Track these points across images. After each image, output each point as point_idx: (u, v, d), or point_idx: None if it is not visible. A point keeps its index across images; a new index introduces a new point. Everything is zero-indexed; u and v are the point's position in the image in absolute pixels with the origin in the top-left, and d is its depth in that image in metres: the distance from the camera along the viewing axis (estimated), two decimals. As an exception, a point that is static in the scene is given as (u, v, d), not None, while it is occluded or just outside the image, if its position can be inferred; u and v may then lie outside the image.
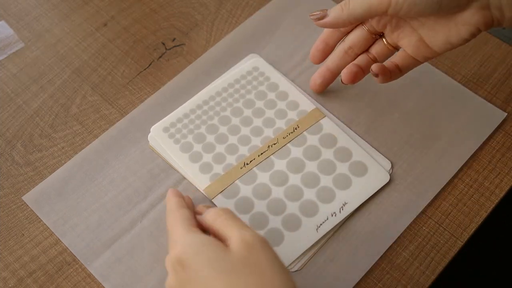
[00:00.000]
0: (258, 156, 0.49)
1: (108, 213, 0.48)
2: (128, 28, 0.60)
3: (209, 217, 0.39)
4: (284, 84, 0.53)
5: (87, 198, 0.49)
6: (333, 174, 0.48)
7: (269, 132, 0.51)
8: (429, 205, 0.48)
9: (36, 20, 0.60)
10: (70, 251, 0.46)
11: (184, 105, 0.52)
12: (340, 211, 0.47)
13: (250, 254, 0.34)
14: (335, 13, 0.43)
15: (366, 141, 0.51)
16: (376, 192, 0.49)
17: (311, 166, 0.49)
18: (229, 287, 0.33)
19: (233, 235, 0.36)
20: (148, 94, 0.55)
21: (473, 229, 0.47)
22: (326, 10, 0.44)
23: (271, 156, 0.49)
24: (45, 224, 0.48)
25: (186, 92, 0.54)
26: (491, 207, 0.48)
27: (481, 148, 0.51)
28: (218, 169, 0.49)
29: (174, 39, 0.59)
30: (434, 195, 0.49)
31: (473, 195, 0.49)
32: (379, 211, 0.48)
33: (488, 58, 0.57)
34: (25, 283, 0.45)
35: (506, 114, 0.53)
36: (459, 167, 0.50)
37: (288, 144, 0.50)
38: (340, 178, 0.48)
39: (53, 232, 0.47)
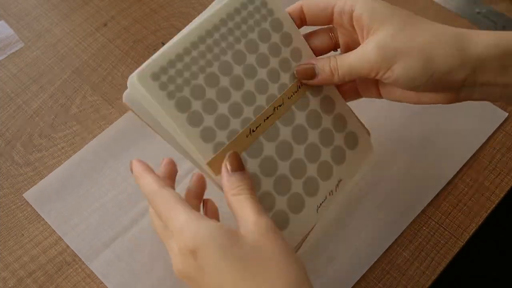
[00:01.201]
0: (264, 121, 0.42)
1: (108, 213, 0.48)
2: (128, 28, 0.60)
3: (227, 188, 0.37)
4: (288, 23, 0.44)
5: (88, 197, 0.49)
6: (331, 146, 0.45)
7: (273, 89, 0.43)
8: (429, 205, 0.48)
9: (36, 20, 0.60)
10: (70, 251, 0.46)
11: (174, 40, 0.40)
12: (336, 189, 0.44)
13: (265, 243, 0.34)
14: (325, 75, 0.41)
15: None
16: (376, 192, 0.49)
17: (313, 136, 0.44)
18: (243, 277, 0.33)
19: (248, 220, 0.35)
20: (148, 94, 0.55)
21: (473, 229, 0.47)
22: (313, 66, 0.42)
23: (277, 122, 0.43)
24: (45, 224, 0.48)
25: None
26: (492, 207, 0.48)
27: (481, 148, 0.51)
28: (222, 136, 0.39)
29: (174, 39, 0.59)
30: (434, 195, 0.49)
31: (473, 195, 0.49)
32: (379, 211, 0.48)
33: (488, 58, 0.57)
34: (25, 283, 0.45)
35: (507, 114, 0.53)
36: (460, 167, 0.50)
37: (293, 107, 0.44)
38: (337, 151, 0.45)
39: (52, 232, 0.47)
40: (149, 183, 0.37)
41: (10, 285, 0.45)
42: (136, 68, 0.56)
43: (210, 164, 0.39)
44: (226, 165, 0.38)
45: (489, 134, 0.52)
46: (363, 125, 0.46)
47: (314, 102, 0.44)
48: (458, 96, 0.40)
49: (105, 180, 0.50)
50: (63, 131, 0.53)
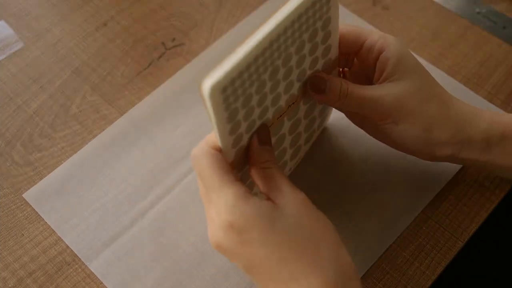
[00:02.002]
0: (277, 119, 0.40)
1: (108, 213, 0.48)
2: (128, 28, 0.60)
3: (256, 160, 0.37)
4: (335, 19, 0.39)
5: (88, 197, 0.49)
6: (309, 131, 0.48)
7: (295, 88, 0.40)
8: (429, 205, 0.48)
9: (36, 20, 0.60)
10: (70, 251, 0.46)
11: (240, 51, 0.33)
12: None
13: (305, 214, 0.34)
14: (331, 96, 0.41)
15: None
16: (375, 192, 0.48)
17: (302, 127, 0.45)
18: (290, 247, 0.33)
19: (286, 191, 0.35)
20: (148, 94, 0.55)
21: (473, 229, 0.47)
22: (326, 81, 0.40)
23: (285, 118, 0.41)
24: (45, 224, 0.48)
25: (185, 90, 0.54)
26: (492, 207, 0.48)
27: (481, 148, 0.51)
28: (245, 139, 0.38)
29: (174, 39, 0.59)
30: (434, 195, 0.49)
31: (473, 195, 0.49)
32: (379, 211, 0.48)
33: (488, 58, 0.57)
34: (24, 283, 0.45)
35: (506, 114, 0.53)
36: (460, 167, 0.50)
37: (301, 103, 0.42)
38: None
39: (52, 232, 0.47)
40: (205, 143, 0.36)
41: (10, 285, 0.45)
42: (136, 67, 0.56)
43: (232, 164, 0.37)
44: (255, 137, 0.37)
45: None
46: None
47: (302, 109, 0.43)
48: (435, 159, 0.43)
49: (105, 180, 0.50)
50: (63, 131, 0.53)
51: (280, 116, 0.40)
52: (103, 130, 0.53)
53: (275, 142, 0.42)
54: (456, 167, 0.50)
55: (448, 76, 0.55)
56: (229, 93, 0.33)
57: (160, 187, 0.49)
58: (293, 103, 0.41)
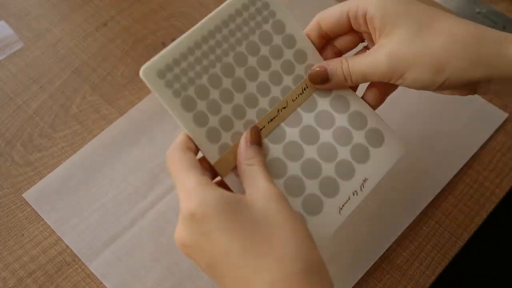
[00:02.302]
0: (268, 123, 0.42)
1: (108, 213, 0.48)
2: (128, 28, 0.60)
3: (242, 157, 0.37)
4: (291, 24, 0.44)
5: (88, 197, 0.49)
6: (350, 145, 0.43)
7: (276, 92, 0.43)
8: (429, 205, 0.48)
9: (36, 20, 0.60)
10: (70, 251, 0.46)
11: (179, 40, 0.40)
12: (361, 188, 0.42)
13: (273, 208, 0.33)
14: (338, 80, 0.40)
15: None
16: (376, 192, 0.48)
17: (326, 136, 0.43)
18: (252, 241, 0.32)
19: (259, 186, 0.35)
20: (148, 94, 0.55)
21: (473, 229, 0.47)
22: (326, 69, 0.41)
23: (282, 124, 0.42)
24: (44, 224, 0.48)
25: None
26: (492, 207, 0.48)
27: (481, 148, 0.51)
28: (227, 138, 0.40)
29: (174, 39, 0.59)
30: (435, 195, 0.49)
31: (473, 195, 0.49)
32: (379, 211, 0.48)
33: (488, 58, 0.57)
34: (25, 283, 0.45)
35: (507, 114, 0.53)
36: (460, 167, 0.50)
37: (299, 109, 0.43)
38: (358, 149, 0.43)
39: (52, 232, 0.47)
40: (174, 143, 0.37)
41: (10, 285, 0.45)
42: (136, 67, 0.56)
43: (216, 165, 0.39)
44: (246, 136, 0.38)
45: (490, 134, 0.52)
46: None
47: (323, 103, 0.43)
48: (475, 90, 0.39)
49: (105, 180, 0.50)
50: (63, 131, 0.53)
51: (271, 120, 0.42)
52: (103, 130, 0.53)
53: (283, 150, 0.41)
54: (456, 167, 0.50)
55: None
56: (169, 78, 0.38)
57: (160, 187, 0.49)
58: (284, 107, 0.42)
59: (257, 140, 0.38)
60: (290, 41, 0.44)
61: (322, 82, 0.40)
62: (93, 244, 0.47)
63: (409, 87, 0.39)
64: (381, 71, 0.38)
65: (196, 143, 0.38)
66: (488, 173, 0.50)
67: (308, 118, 0.43)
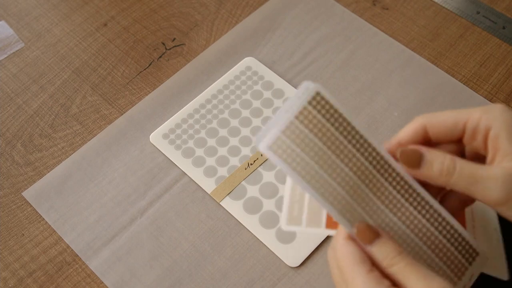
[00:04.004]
0: (261, 155, 0.50)
1: (108, 213, 0.48)
2: (128, 28, 0.60)
3: (382, 259, 0.33)
4: (278, 81, 0.54)
5: (87, 197, 0.49)
6: None
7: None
8: (429, 205, 0.48)
9: (36, 20, 0.60)
10: (70, 251, 0.47)
11: (181, 110, 0.52)
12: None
13: None
14: (429, 172, 0.34)
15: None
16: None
17: None
18: None
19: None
20: (148, 94, 0.55)
21: (473, 229, 0.47)
22: (421, 154, 0.35)
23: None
24: (45, 224, 0.48)
25: (185, 90, 0.54)
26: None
27: (481, 148, 0.51)
28: (223, 171, 0.49)
29: (174, 39, 0.59)
30: (434, 195, 0.49)
31: (473, 195, 0.49)
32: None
33: (488, 58, 0.57)
34: (25, 283, 0.45)
35: (506, 114, 0.53)
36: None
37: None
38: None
39: (53, 232, 0.47)
40: (338, 232, 0.35)
41: (10, 285, 0.45)
42: (136, 67, 0.56)
43: (213, 194, 0.48)
44: (358, 240, 0.33)
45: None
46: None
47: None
48: None
49: (105, 179, 0.50)
50: (63, 131, 0.53)
51: None
52: (103, 130, 0.53)
53: (277, 174, 0.47)
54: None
55: (448, 75, 0.55)
56: (172, 138, 0.51)
57: (160, 186, 0.49)
58: None
59: (372, 234, 0.33)
60: (278, 93, 0.53)
61: (412, 165, 0.35)
62: (93, 244, 0.47)
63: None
64: (498, 191, 0.33)
65: (195, 179, 0.47)
66: (488, 173, 0.50)
67: None
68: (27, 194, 0.49)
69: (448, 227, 0.35)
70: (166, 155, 0.50)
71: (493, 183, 0.33)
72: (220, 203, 0.48)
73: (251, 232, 0.47)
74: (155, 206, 0.48)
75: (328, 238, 0.47)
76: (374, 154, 0.34)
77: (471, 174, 0.34)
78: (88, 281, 0.45)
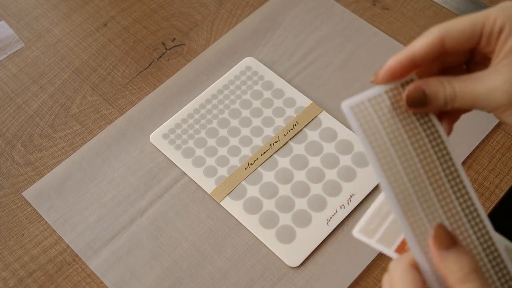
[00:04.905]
0: (261, 155, 0.50)
1: (108, 213, 0.48)
2: (128, 28, 0.60)
3: (456, 271, 0.29)
4: (278, 81, 0.54)
5: (87, 197, 0.49)
6: (337, 167, 0.49)
7: (269, 131, 0.51)
8: (429, 205, 0.48)
9: (36, 20, 0.60)
10: (70, 251, 0.47)
11: (181, 110, 0.52)
12: (348, 202, 0.48)
13: None
14: (437, 105, 0.32)
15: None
16: (376, 192, 0.49)
17: (315, 162, 0.50)
18: None
19: None
20: (148, 94, 0.55)
21: (473, 229, 0.47)
22: (423, 91, 0.32)
23: (274, 155, 0.50)
24: (45, 224, 0.48)
25: (185, 90, 0.54)
26: (491, 207, 0.48)
27: (481, 148, 0.51)
28: (223, 171, 0.49)
29: (174, 39, 0.59)
30: (434, 195, 0.49)
31: (473, 195, 0.49)
32: (379, 211, 0.48)
33: (488, 58, 0.57)
34: (25, 283, 0.45)
35: (506, 114, 0.53)
36: (459, 167, 0.50)
37: (290, 142, 0.51)
38: (344, 170, 0.49)
39: (53, 232, 0.47)
40: (401, 258, 0.32)
41: (10, 285, 0.45)
42: (136, 67, 0.56)
43: (213, 194, 0.48)
44: (433, 244, 0.30)
45: (487, 133, 0.52)
46: None
47: (312, 135, 0.51)
48: None
49: (105, 179, 0.50)
50: (63, 131, 0.53)
51: (264, 153, 0.50)
52: (103, 130, 0.53)
53: (275, 175, 0.50)
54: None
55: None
56: (172, 138, 0.51)
57: (160, 186, 0.49)
58: (276, 141, 0.51)
59: (450, 240, 0.30)
60: (278, 93, 0.53)
61: (418, 106, 0.32)
62: (93, 244, 0.47)
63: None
64: (500, 99, 0.31)
65: (194, 179, 0.50)
66: (488, 173, 0.50)
67: (298, 148, 0.50)
68: (27, 194, 0.49)
69: (498, 259, 0.33)
70: (166, 155, 0.50)
71: (494, 93, 0.31)
72: (220, 203, 0.48)
73: (251, 232, 0.47)
74: (155, 206, 0.48)
75: (329, 237, 0.47)
76: (448, 161, 0.33)
77: (471, 92, 0.32)
78: (88, 281, 0.45)
